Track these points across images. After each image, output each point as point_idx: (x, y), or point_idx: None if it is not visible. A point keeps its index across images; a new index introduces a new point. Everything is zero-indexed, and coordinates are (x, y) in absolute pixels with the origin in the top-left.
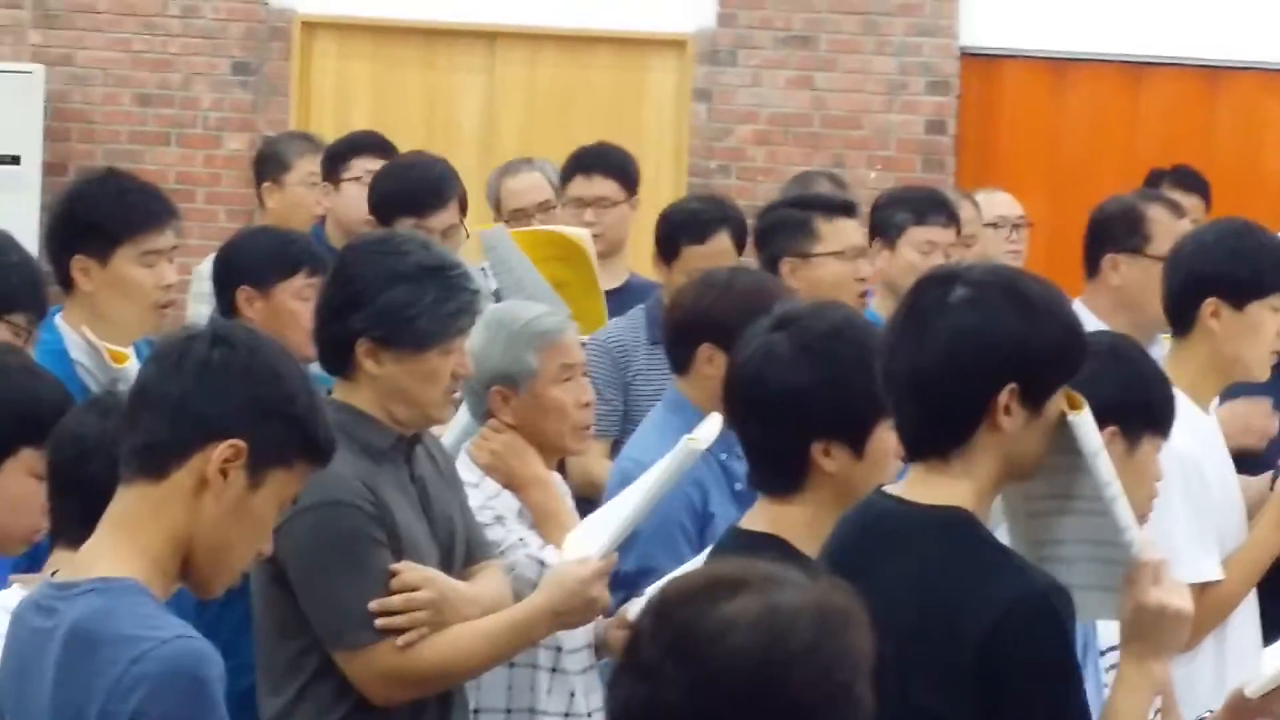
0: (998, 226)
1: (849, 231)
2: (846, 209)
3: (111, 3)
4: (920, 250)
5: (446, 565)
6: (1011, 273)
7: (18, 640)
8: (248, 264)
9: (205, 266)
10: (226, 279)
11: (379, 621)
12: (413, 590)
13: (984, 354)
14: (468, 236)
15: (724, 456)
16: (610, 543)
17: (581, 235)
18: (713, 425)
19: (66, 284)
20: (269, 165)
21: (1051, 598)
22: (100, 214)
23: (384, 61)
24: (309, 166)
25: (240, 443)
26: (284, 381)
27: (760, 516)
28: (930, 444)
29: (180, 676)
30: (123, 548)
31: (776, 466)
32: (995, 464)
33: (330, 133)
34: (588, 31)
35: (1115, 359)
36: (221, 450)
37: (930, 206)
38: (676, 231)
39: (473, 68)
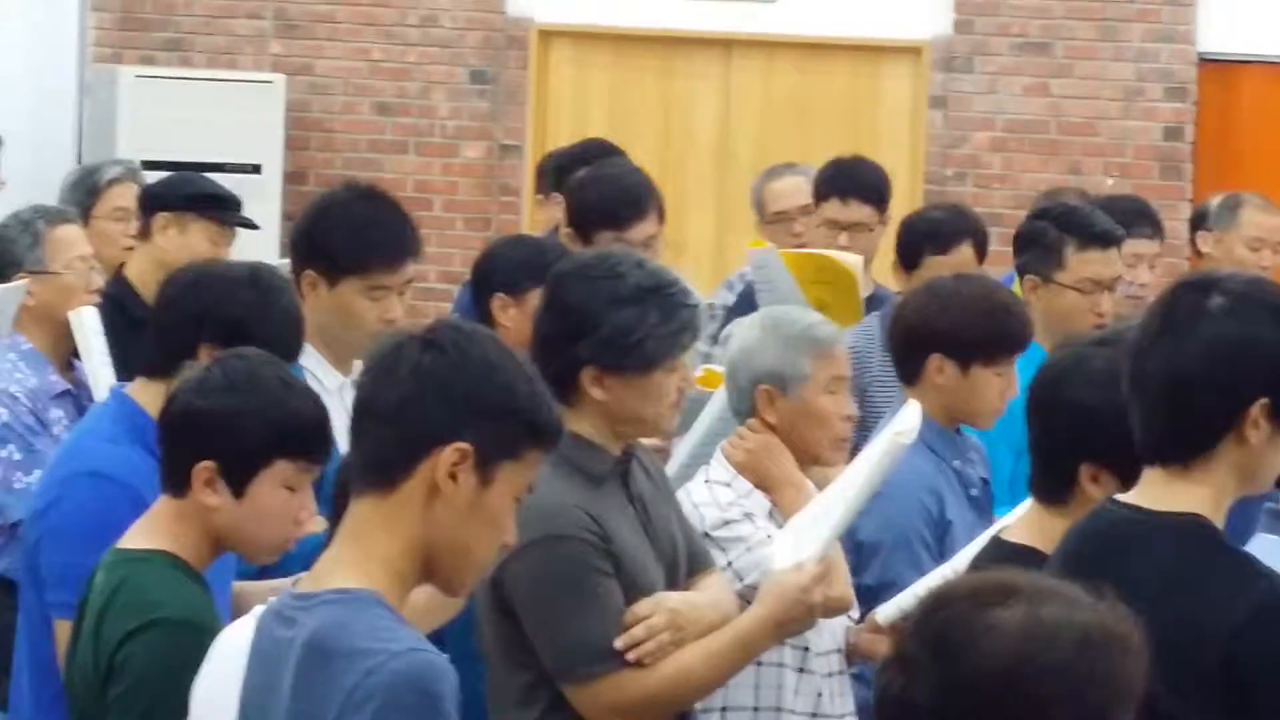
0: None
1: (1097, 264)
2: (1105, 240)
3: (351, 13)
4: (1125, 263)
5: (671, 582)
6: (1268, 284)
7: (261, 650)
8: (502, 271)
9: None
10: (484, 286)
11: (630, 654)
12: (646, 617)
13: (1243, 364)
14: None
15: (957, 463)
16: (825, 546)
17: (854, 262)
18: (913, 415)
19: (298, 292)
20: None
21: None
22: (335, 240)
23: (620, 69)
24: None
25: (465, 445)
26: (499, 374)
27: (1023, 528)
28: (1173, 450)
29: (412, 690)
30: (360, 559)
31: (1048, 476)
32: (1234, 475)
33: (566, 141)
34: (823, 39)
35: None
36: (448, 455)
37: (1135, 218)
38: (920, 241)
39: (709, 75)
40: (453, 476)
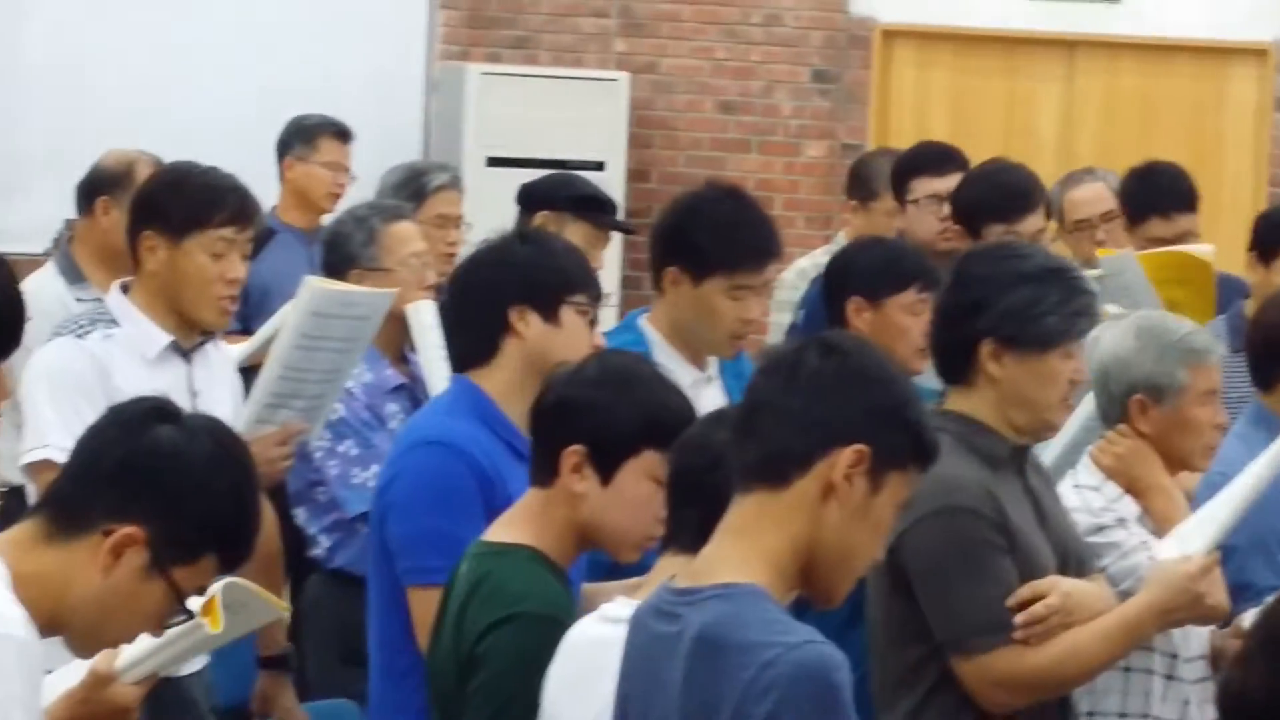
0: None
1: None
2: None
3: (695, 11)
4: None
5: (1064, 574)
6: None
7: (640, 645)
8: (860, 275)
9: (789, 274)
10: (838, 288)
11: (1022, 632)
12: (1041, 595)
13: None
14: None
15: None
16: (1213, 540)
17: (1207, 252)
18: None
19: (659, 288)
20: (856, 185)
21: None
22: (702, 239)
23: (962, 70)
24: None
25: (865, 448)
26: (897, 386)
27: None
28: None
29: (812, 681)
30: (746, 554)
31: None
32: None
33: (908, 141)
34: (1167, 40)
35: None
36: (847, 456)
37: None
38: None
39: (1052, 76)
40: (848, 479)
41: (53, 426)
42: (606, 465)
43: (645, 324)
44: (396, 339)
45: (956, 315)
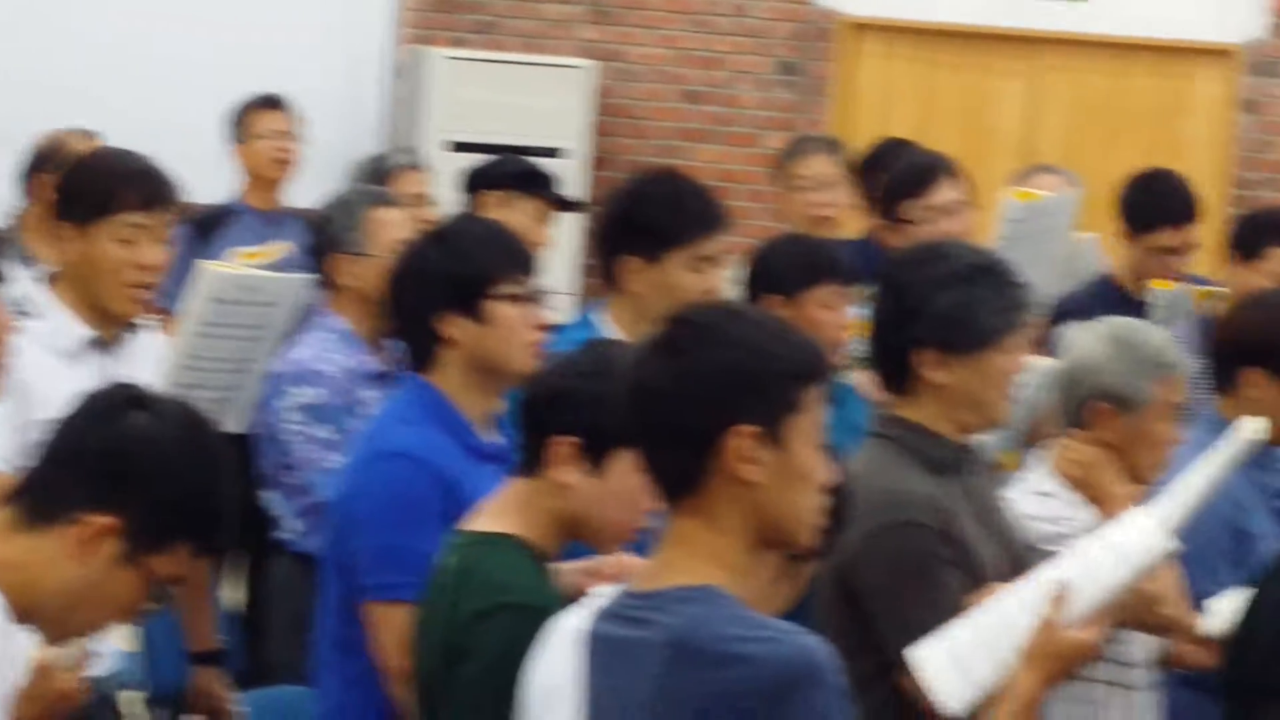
0: None
1: None
2: None
3: (662, 1)
4: None
5: (1011, 576)
6: None
7: (603, 652)
8: (775, 272)
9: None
10: (755, 286)
11: None
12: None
13: None
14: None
15: (1265, 475)
16: (1169, 527)
17: None
18: (1260, 422)
19: (612, 281)
20: (777, 169)
21: None
22: (656, 215)
23: (927, 64)
24: (802, 169)
25: (748, 427)
26: (745, 346)
27: None
28: None
29: (803, 673)
30: (696, 555)
31: None
32: None
33: (870, 134)
34: (1131, 39)
35: None
36: (734, 443)
37: None
38: (1263, 232)
39: (1015, 73)
40: (749, 461)
41: None
42: (596, 456)
43: (602, 319)
44: (376, 326)
45: (891, 325)
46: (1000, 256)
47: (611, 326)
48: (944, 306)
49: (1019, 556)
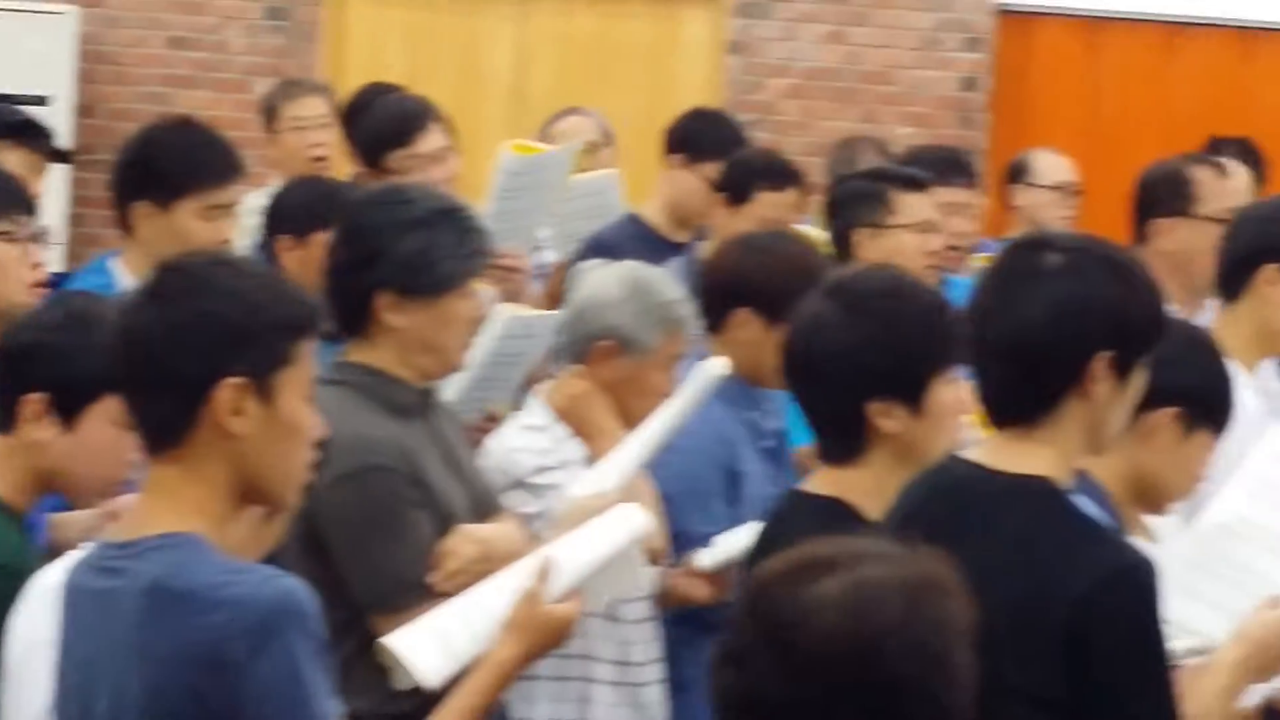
0: (1062, 192)
1: (922, 205)
2: (919, 184)
3: None
4: (942, 212)
5: (480, 517)
6: (1099, 240)
7: (80, 605)
8: (286, 213)
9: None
10: (269, 228)
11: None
12: (457, 550)
13: (1084, 321)
14: None
15: (753, 414)
16: (624, 475)
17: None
18: (723, 361)
19: (126, 227)
20: (265, 115)
21: (1144, 572)
22: (168, 163)
23: (417, 8)
24: (297, 111)
25: (238, 380)
26: (238, 298)
27: (822, 481)
28: (1018, 410)
29: (286, 614)
30: (175, 506)
31: (837, 432)
32: (1079, 433)
33: (361, 79)
34: None
35: (1197, 345)
36: (224, 395)
37: (950, 168)
38: (753, 176)
39: (506, 16)
40: (237, 414)
41: None
42: (69, 411)
43: (116, 265)
44: None
45: (350, 268)
46: (461, 201)
47: (125, 273)
48: (404, 250)
49: (485, 499)
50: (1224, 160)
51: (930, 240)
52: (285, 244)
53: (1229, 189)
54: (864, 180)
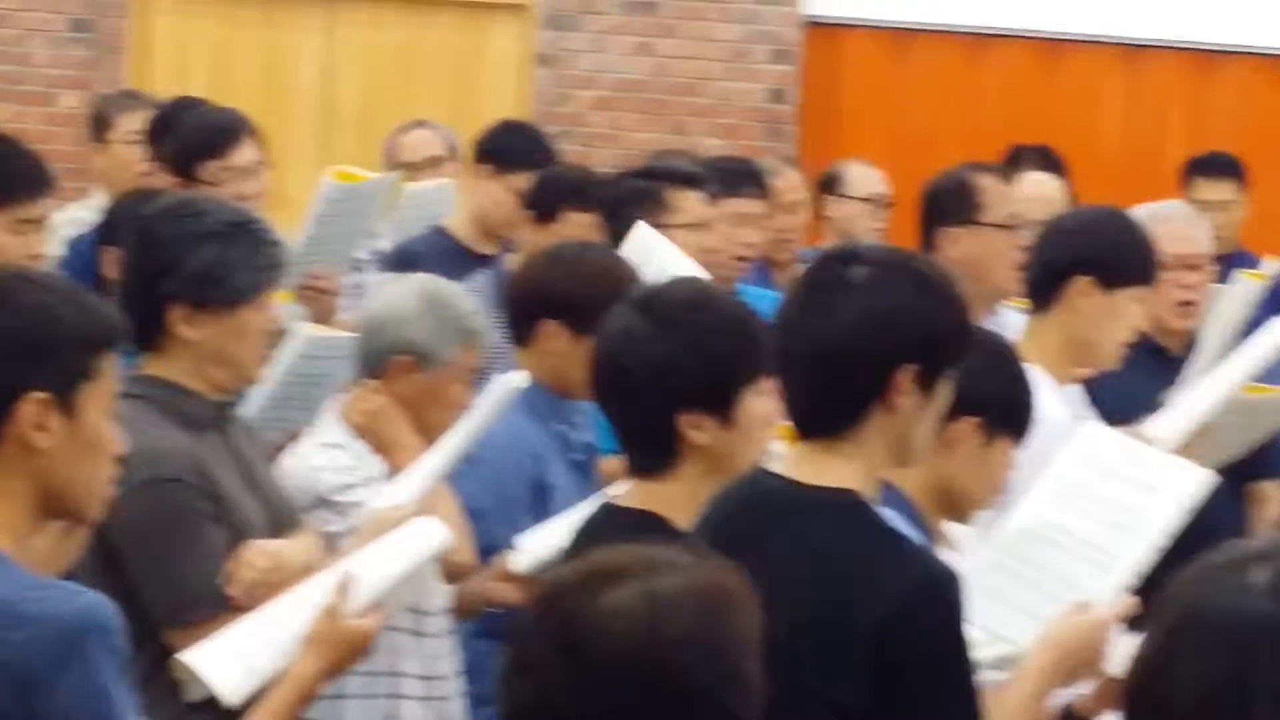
0: (873, 204)
1: (698, 204)
2: (695, 181)
3: None
4: (730, 222)
5: (277, 533)
6: (907, 253)
7: None
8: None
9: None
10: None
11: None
12: (251, 563)
13: (888, 333)
14: None
15: (562, 427)
16: (419, 488)
17: None
18: (520, 375)
19: None
20: (95, 125)
21: (948, 584)
22: None
23: (223, 21)
24: (131, 124)
25: (40, 394)
26: (36, 312)
27: (635, 495)
28: (822, 423)
29: (90, 630)
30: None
31: (646, 444)
32: (885, 446)
33: (167, 92)
34: None
35: (996, 354)
36: (28, 410)
37: (741, 178)
38: (562, 195)
39: (312, 29)
40: (38, 429)
41: None
42: None
43: None
44: None
45: (143, 280)
46: (255, 214)
47: None
48: (197, 263)
49: (283, 514)
50: (1008, 168)
51: (705, 238)
52: (113, 255)
53: (1014, 195)
54: (638, 179)
